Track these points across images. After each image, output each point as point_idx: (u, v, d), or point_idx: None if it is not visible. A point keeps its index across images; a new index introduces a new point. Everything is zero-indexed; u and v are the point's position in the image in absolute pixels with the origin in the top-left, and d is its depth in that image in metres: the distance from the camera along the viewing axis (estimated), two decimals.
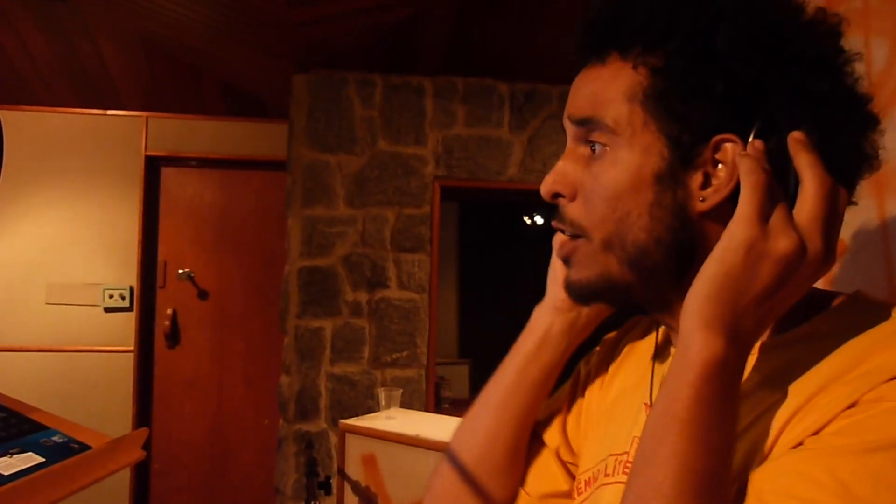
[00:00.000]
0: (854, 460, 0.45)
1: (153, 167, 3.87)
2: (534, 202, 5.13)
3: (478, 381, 4.40)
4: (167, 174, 3.92)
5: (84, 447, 0.73)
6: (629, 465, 0.63)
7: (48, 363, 3.67)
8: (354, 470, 2.00)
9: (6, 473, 0.65)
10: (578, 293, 0.65)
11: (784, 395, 0.52)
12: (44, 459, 0.69)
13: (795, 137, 0.53)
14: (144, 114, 3.81)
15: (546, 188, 0.64)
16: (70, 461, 0.70)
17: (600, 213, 0.60)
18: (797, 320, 0.58)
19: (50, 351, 3.68)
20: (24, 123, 3.71)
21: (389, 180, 3.30)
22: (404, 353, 3.28)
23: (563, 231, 0.65)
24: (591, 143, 0.61)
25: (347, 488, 2.01)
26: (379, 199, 3.29)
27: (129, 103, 3.78)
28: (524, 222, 5.38)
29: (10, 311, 3.67)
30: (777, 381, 0.54)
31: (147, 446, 0.78)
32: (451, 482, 0.77)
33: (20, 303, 3.68)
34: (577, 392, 0.80)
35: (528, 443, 0.78)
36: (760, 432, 0.52)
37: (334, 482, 2.06)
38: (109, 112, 3.80)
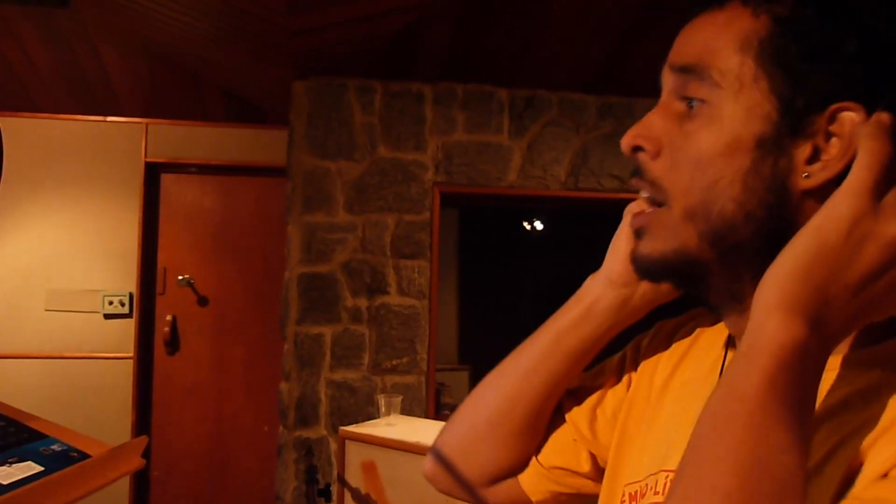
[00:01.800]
0: None
1: (153, 174, 3.87)
2: (534, 208, 5.14)
3: None
4: (167, 181, 3.92)
5: (83, 456, 0.73)
6: None
7: (48, 370, 3.67)
8: (354, 477, 2.00)
9: (5, 483, 0.65)
10: (647, 267, 0.58)
11: (869, 420, 0.45)
12: (43, 468, 0.69)
13: None
14: (144, 120, 3.82)
15: (627, 140, 0.57)
16: (69, 470, 0.69)
17: (686, 178, 0.53)
18: (884, 335, 0.50)
19: (49, 357, 3.68)
20: (25, 130, 3.71)
21: (389, 186, 3.30)
22: (404, 360, 3.28)
23: (641, 188, 0.58)
24: (689, 100, 0.54)
25: (347, 495, 2.01)
26: (379, 206, 3.29)
27: (129, 110, 3.78)
28: (524, 228, 5.38)
29: (10, 317, 3.67)
30: (862, 403, 0.46)
31: (146, 453, 0.78)
32: (456, 448, 0.75)
33: (20, 309, 3.68)
34: (621, 378, 0.74)
35: (552, 413, 0.73)
36: (841, 462, 0.45)
37: (334, 489, 2.05)
38: (109, 118, 3.80)
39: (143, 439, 0.78)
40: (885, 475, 0.41)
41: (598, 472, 0.73)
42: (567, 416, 0.74)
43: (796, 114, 0.49)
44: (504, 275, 5.22)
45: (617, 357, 0.76)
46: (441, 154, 3.34)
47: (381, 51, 3.07)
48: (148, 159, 3.82)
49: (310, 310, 3.22)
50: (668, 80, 0.57)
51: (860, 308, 0.44)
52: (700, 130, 0.52)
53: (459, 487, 0.76)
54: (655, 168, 0.56)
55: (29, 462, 0.69)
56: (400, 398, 2.33)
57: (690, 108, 0.54)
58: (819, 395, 0.45)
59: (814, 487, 0.45)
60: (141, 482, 3.78)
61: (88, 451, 0.73)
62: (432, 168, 3.34)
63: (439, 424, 2.22)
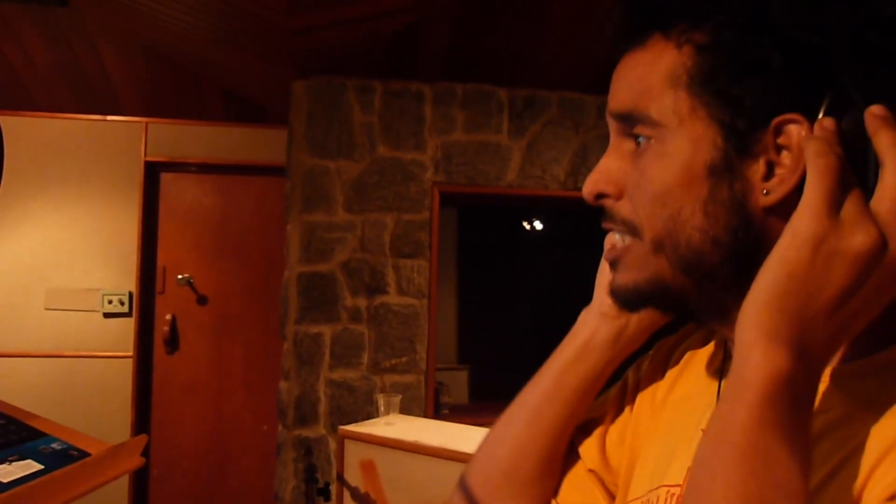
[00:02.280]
0: None
1: (153, 173, 3.88)
2: (533, 208, 5.14)
3: (477, 386, 4.40)
4: (167, 180, 3.92)
5: (83, 454, 0.73)
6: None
7: (47, 369, 3.67)
8: (353, 476, 2.00)
9: (5, 481, 0.65)
10: (624, 298, 0.58)
11: (866, 438, 0.44)
12: (43, 467, 0.69)
13: (874, 113, 0.45)
14: (144, 119, 3.82)
15: (588, 188, 0.58)
16: (69, 468, 0.70)
17: (649, 211, 0.53)
18: (875, 345, 0.49)
19: (49, 356, 3.68)
20: (24, 129, 3.71)
21: (389, 186, 3.30)
22: (403, 359, 3.28)
23: (613, 231, 0.59)
24: (636, 137, 0.55)
25: (346, 494, 2.01)
26: (378, 205, 3.29)
27: (128, 109, 3.78)
28: (523, 228, 5.38)
29: (10, 316, 3.67)
30: (861, 417, 0.45)
31: (146, 452, 0.78)
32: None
33: (19, 308, 3.68)
34: (625, 402, 0.73)
35: (565, 453, 0.72)
36: (844, 482, 0.43)
37: (333, 488, 2.06)
38: (109, 118, 3.80)
39: (143, 438, 0.78)
40: (892, 498, 0.40)
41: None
42: (580, 450, 0.73)
43: (740, 135, 0.49)
44: (503, 274, 5.22)
45: (618, 384, 0.76)
46: (440, 153, 3.34)
47: (380, 50, 3.07)
48: (147, 158, 3.82)
49: (309, 309, 3.23)
50: (612, 124, 0.58)
51: (840, 326, 0.44)
52: (652, 166, 0.53)
53: None
54: (622, 209, 0.56)
55: (29, 460, 0.69)
56: (399, 397, 2.34)
57: (639, 144, 0.55)
58: (815, 410, 0.44)
59: None
60: (140, 481, 3.78)
61: (88, 450, 0.74)
62: (432, 167, 3.34)
63: (438, 424, 2.23)
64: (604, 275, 0.67)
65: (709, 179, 0.50)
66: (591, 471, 0.71)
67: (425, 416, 3.19)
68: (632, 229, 0.55)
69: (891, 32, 0.47)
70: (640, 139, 0.54)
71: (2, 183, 0.89)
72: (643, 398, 0.71)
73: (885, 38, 0.46)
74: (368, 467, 1.97)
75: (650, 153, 0.53)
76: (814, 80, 0.47)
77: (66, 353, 3.70)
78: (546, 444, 0.69)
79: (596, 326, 0.68)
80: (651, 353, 0.74)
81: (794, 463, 0.40)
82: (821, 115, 0.46)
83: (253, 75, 3.54)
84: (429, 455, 1.81)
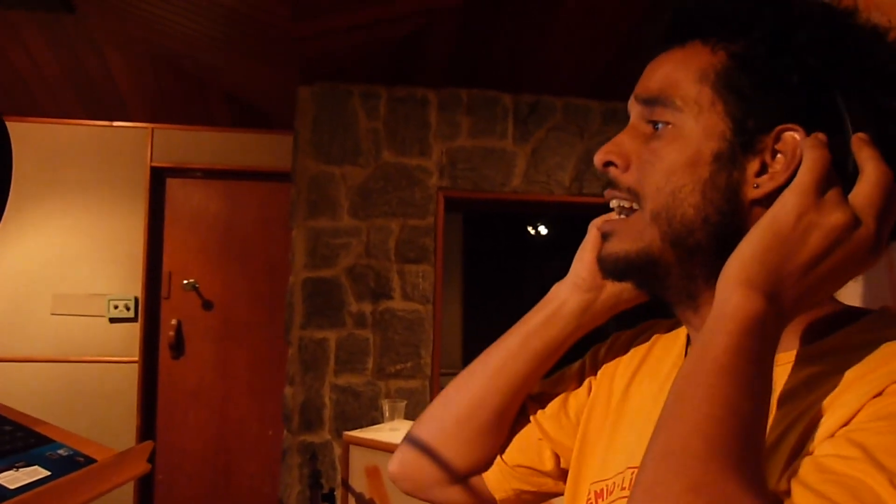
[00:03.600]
0: (885, 439, 0.45)
1: (159, 178, 3.89)
2: (538, 213, 5.14)
3: None
4: (172, 185, 3.94)
5: (89, 460, 0.73)
6: None
7: (53, 374, 3.68)
8: (358, 482, 2.00)
9: (12, 487, 0.65)
10: (612, 266, 0.64)
11: (813, 404, 0.52)
12: (49, 473, 0.69)
13: (860, 137, 0.54)
14: (150, 125, 3.83)
15: (600, 156, 0.64)
16: (75, 475, 0.70)
17: (654, 183, 0.60)
18: (828, 333, 0.58)
19: (55, 361, 3.69)
20: (31, 135, 3.73)
21: (394, 191, 3.31)
22: (408, 364, 3.28)
23: (616, 198, 0.65)
24: (655, 123, 0.62)
25: (351, 500, 2.01)
26: (383, 211, 3.30)
27: (135, 115, 3.80)
28: (528, 233, 5.38)
29: (16, 321, 3.68)
30: (810, 388, 0.54)
31: (151, 457, 0.78)
32: (413, 455, 0.79)
33: (26, 314, 3.69)
34: (581, 383, 0.79)
35: (517, 413, 0.78)
36: (794, 438, 0.52)
37: (338, 494, 2.05)
38: (115, 123, 3.82)
39: (149, 444, 0.78)
40: (832, 436, 0.48)
41: (559, 472, 0.78)
42: (532, 417, 0.79)
43: (748, 133, 0.57)
44: (508, 279, 5.22)
45: (576, 365, 0.82)
46: (445, 159, 3.35)
47: (385, 56, 3.08)
48: (153, 164, 3.84)
49: (314, 314, 3.23)
50: (635, 109, 0.65)
51: (809, 287, 0.52)
52: (666, 147, 0.60)
53: (428, 481, 0.79)
54: (627, 178, 0.63)
55: (36, 466, 0.69)
56: (404, 403, 2.33)
57: (656, 129, 0.62)
58: (773, 385, 0.52)
59: (775, 457, 0.52)
60: (145, 485, 3.78)
61: (94, 456, 0.74)
62: (437, 173, 3.34)
63: None
64: (584, 249, 0.74)
65: (712, 165, 0.58)
66: (541, 439, 0.77)
67: None
68: (635, 196, 0.62)
69: (885, 86, 0.56)
70: (659, 125, 0.61)
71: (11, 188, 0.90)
72: (600, 384, 0.77)
73: (879, 89, 0.56)
74: (373, 473, 1.97)
75: (666, 136, 0.60)
76: (817, 103, 0.55)
77: (72, 359, 3.70)
78: (502, 399, 0.76)
79: (567, 296, 0.75)
80: (608, 342, 0.81)
81: (761, 383, 0.48)
82: (817, 131, 0.55)
83: (258, 81, 3.55)
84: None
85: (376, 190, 3.30)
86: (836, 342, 0.56)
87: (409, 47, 2.99)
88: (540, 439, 0.77)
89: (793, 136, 0.56)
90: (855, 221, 0.51)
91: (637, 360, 0.75)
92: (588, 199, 3.40)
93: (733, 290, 0.50)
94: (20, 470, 0.68)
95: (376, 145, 3.31)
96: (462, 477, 0.79)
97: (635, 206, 0.63)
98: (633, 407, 0.72)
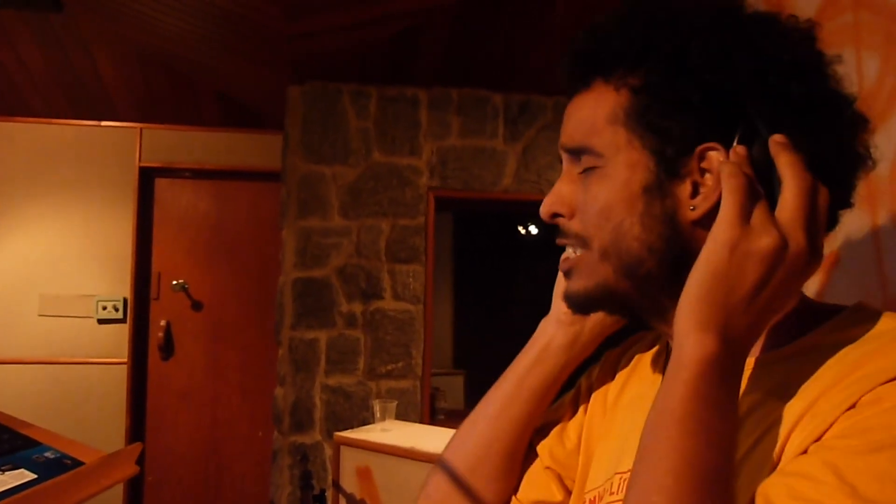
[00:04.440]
0: (858, 460, 0.45)
1: (147, 178, 3.87)
2: (528, 213, 5.14)
3: (473, 391, 4.40)
4: (161, 185, 3.91)
5: (77, 463, 0.72)
6: None
7: (41, 375, 3.65)
8: (349, 482, 1.99)
9: None
10: (576, 302, 0.66)
11: (785, 411, 0.52)
12: (36, 476, 0.68)
13: (776, 140, 0.54)
14: (139, 125, 3.81)
15: (545, 209, 0.67)
16: (63, 478, 0.69)
17: (595, 224, 0.62)
18: (797, 334, 0.58)
19: (43, 363, 3.66)
20: (19, 134, 3.71)
21: (384, 191, 3.30)
22: (399, 365, 3.27)
23: (567, 245, 0.67)
24: (583, 169, 0.64)
25: (343, 501, 2.00)
26: (373, 210, 3.29)
27: (123, 114, 3.78)
28: (519, 233, 5.39)
29: (3, 322, 3.65)
30: (779, 395, 0.54)
31: (140, 459, 0.78)
32: (445, 487, 0.78)
33: (13, 315, 3.67)
34: (578, 406, 0.81)
35: (525, 452, 0.79)
36: (767, 448, 0.52)
37: (329, 495, 2.05)
38: (104, 123, 3.79)
39: (137, 446, 0.78)
40: (805, 451, 0.49)
41: (569, 497, 0.78)
42: (537, 449, 0.79)
43: (669, 161, 0.58)
44: (499, 279, 5.22)
45: (572, 391, 0.84)
46: (436, 159, 3.35)
47: (376, 56, 3.07)
48: (142, 164, 3.82)
49: (304, 315, 3.22)
50: (564, 157, 0.67)
51: (758, 314, 0.52)
52: (598, 189, 0.62)
53: None
54: (574, 226, 0.65)
55: (22, 469, 0.69)
56: (395, 403, 2.33)
57: (586, 172, 0.64)
58: (741, 394, 0.54)
59: (744, 472, 0.52)
60: (135, 488, 3.76)
61: (82, 459, 0.73)
62: (427, 173, 3.34)
63: (434, 429, 2.22)
64: (560, 286, 0.75)
65: (643, 197, 0.59)
66: (548, 468, 0.78)
67: (421, 422, 3.18)
68: (582, 242, 0.64)
69: (788, 74, 0.56)
70: (587, 170, 0.63)
71: None
72: (595, 401, 0.79)
73: (783, 79, 0.55)
74: (364, 473, 1.96)
75: (596, 177, 0.62)
76: (728, 114, 0.56)
77: (60, 360, 3.68)
78: (508, 442, 0.77)
79: (553, 333, 0.76)
80: (600, 361, 0.83)
81: (723, 427, 0.49)
82: (735, 144, 0.56)
83: (248, 80, 3.54)
84: (425, 461, 1.81)
85: (366, 190, 3.29)
86: (807, 344, 0.57)
87: (400, 47, 2.98)
88: (546, 468, 0.78)
89: (714, 154, 0.56)
90: (784, 241, 0.51)
91: (626, 373, 0.77)
92: None
93: (686, 336, 0.52)
94: (6, 473, 0.67)
95: (366, 145, 3.30)
96: None
97: (584, 250, 0.65)
98: (621, 417, 0.73)
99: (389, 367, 3.26)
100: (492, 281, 5.19)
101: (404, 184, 3.32)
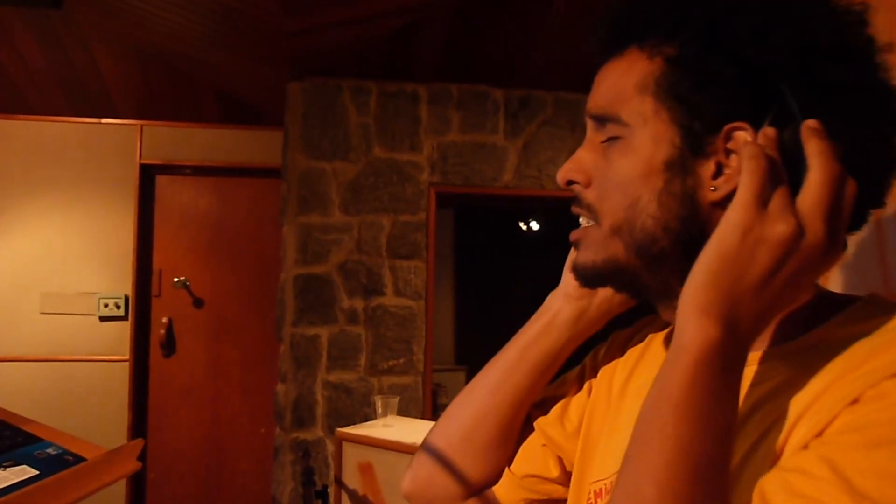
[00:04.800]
0: (858, 456, 0.44)
1: (148, 175, 3.87)
2: (529, 208, 5.14)
3: None
4: (162, 182, 3.91)
5: (79, 459, 0.72)
6: None
7: (43, 373, 3.65)
8: (351, 478, 2.00)
9: None
10: (584, 275, 0.65)
11: (788, 408, 0.51)
12: (38, 472, 0.68)
13: (809, 125, 0.52)
14: (139, 122, 3.81)
15: (561, 175, 0.65)
16: (64, 474, 0.69)
17: (612, 199, 0.60)
18: (810, 326, 0.56)
19: (45, 361, 3.66)
20: (18, 132, 3.70)
21: (385, 187, 3.30)
22: (401, 361, 3.27)
23: (580, 214, 0.66)
24: (607, 138, 0.62)
25: (345, 497, 2.00)
26: (374, 206, 3.29)
27: (123, 111, 3.77)
28: (520, 228, 5.39)
29: (5, 320, 3.66)
30: (786, 389, 0.52)
31: (142, 456, 0.78)
32: (430, 466, 0.78)
33: (14, 312, 3.67)
34: (583, 383, 0.79)
35: (522, 424, 0.78)
36: (771, 443, 0.51)
37: (331, 491, 2.05)
38: (104, 120, 3.79)
39: (139, 442, 0.78)
40: (805, 447, 0.48)
41: (566, 478, 0.77)
42: (535, 424, 0.78)
43: (695, 137, 0.56)
44: (500, 275, 5.23)
45: (577, 368, 0.82)
46: (436, 154, 3.34)
47: (376, 52, 3.07)
48: (143, 161, 3.81)
49: (306, 311, 3.22)
50: (588, 124, 0.65)
51: (766, 304, 0.50)
52: (619, 160, 0.60)
53: (441, 496, 0.79)
54: (589, 195, 0.64)
55: (24, 466, 0.69)
56: (396, 399, 2.33)
57: (610, 140, 0.62)
58: (744, 389, 0.52)
59: (749, 468, 0.51)
60: (137, 485, 3.77)
61: (84, 455, 0.73)
62: (428, 168, 3.34)
63: None
64: (570, 259, 0.73)
65: (665, 173, 0.57)
66: (545, 445, 0.77)
67: (423, 418, 3.18)
68: (593, 214, 0.63)
69: (830, 57, 0.53)
70: (611, 140, 0.61)
71: None
72: (600, 385, 0.77)
73: (824, 61, 0.53)
74: (366, 469, 1.96)
75: (618, 148, 0.60)
76: (762, 94, 0.53)
77: (62, 357, 3.68)
78: (505, 412, 0.76)
79: (560, 306, 0.75)
80: (607, 342, 0.81)
81: (721, 416, 0.47)
82: (766, 125, 0.53)
83: (248, 77, 3.53)
84: None
85: (367, 185, 3.29)
86: (818, 337, 0.55)
87: (400, 42, 2.97)
88: (544, 445, 0.77)
89: (742, 134, 0.54)
90: (800, 230, 0.49)
91: (634, 359, 0.75)
92: None
93: (688, 320, 0.50)
94: (8, 469, 0.67)
95: (367, 141, 3.30)
96: (474, 491, 0.78)
97: (595, 223, 0.64)
98: (629, 406, 0.71)
99: (391, 364, 3.26)
100: (493, 276, 5.20)
101: (405, 179, 3.31)
